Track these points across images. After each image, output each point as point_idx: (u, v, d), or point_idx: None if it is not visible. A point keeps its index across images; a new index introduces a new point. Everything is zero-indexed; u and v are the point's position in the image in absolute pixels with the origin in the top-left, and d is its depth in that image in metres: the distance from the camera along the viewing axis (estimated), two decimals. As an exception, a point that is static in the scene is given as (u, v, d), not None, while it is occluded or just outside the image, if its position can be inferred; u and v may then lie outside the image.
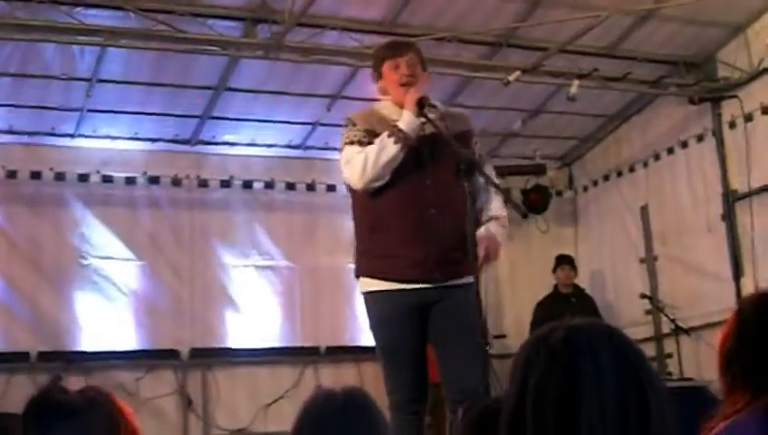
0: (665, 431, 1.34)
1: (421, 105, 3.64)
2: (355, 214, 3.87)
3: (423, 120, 3.63)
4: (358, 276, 3.81)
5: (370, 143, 3.67)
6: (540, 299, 7.40)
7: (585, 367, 1.34)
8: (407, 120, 3.64)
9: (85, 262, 7.03)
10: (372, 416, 1.93)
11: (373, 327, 3.78)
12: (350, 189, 3.86)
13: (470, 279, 3.45)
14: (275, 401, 7.12)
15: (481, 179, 3.56)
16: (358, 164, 3.65)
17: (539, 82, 6.80)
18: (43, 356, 6.69)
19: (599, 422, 1.30)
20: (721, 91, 6.97)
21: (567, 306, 6.98)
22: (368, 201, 3.75)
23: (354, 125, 3.77)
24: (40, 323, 6.80)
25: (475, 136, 3.85)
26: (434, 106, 3.70)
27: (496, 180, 3.56)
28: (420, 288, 3.65)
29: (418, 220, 3.64)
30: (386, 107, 3.83)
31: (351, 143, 3.74)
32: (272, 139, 7.52)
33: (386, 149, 3.61)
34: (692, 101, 7.05)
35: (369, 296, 3.75)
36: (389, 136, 3.62)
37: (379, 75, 3.84)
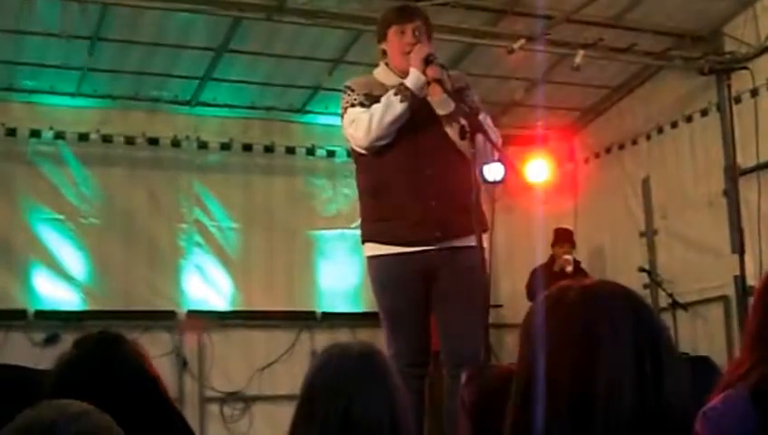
0: (679, 394, 1.31)
1: (428, 62, 3.61)
2: (358, 179, 3.87)
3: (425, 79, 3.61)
4: (364, 242, 3.80)
5: (372, 105, 3.65)
6: (535, 267, 7.36)
7: (602, 326, 1.30)
8: (413, 78, 3.62)
9: (84, 222, 7.02)
10: (386, 368, 1.94)
11: (377, 292, 3.77)
12: (354, 154, 3.84)
13: (472, 241, 3.42)
14: (270, 364, 7.15)
15: (481, 140, 3.52)
16: (363, 122, 3.63)
17: (543, 50, 6.74)
18: (40, 314, 6.70)
19: (616, 382, 1.26)
20: (728, 65, 6.90)
21: (562, 276, 6.95)
22: (369, 165, 3.74)
23: (353, 91, 3.76)
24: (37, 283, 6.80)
25: (470, 89, 3.84)
26: (443, 66, 3.67)
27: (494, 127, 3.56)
28: (424, 251, 3.63)
29: (416, 181, 3.63)
30: (383, 72, 3.80)
31: (353, 105, 3.72)
32: (272, 102, 7.47)
33: (392, 106, 3.59)
34: (702, 72, 6.96)
35: (374, 261, 3.75)
36: (396, 94, 3.60)
37: (383, 37, 3.81)
